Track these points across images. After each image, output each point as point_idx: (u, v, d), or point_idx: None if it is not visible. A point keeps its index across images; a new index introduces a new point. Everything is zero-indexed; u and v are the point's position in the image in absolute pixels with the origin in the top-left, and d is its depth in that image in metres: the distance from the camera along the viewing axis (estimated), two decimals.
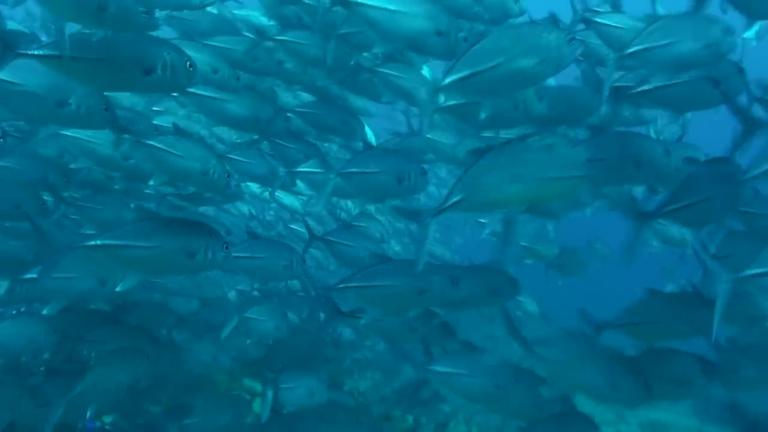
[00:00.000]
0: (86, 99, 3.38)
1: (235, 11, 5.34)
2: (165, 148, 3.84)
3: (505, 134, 4.13)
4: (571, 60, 3.45)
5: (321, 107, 5.10)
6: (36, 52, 3.04)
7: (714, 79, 3.75)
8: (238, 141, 5.48)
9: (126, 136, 3.78)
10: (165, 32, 4.39)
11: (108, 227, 3.60)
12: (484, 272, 4.27)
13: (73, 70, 3.15)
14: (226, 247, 3.64)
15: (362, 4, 3.59)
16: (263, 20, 5.11)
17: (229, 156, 4.94)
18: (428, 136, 4.73)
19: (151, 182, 3.98)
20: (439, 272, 3.96)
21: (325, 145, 5.60)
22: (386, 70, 4.55)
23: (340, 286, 3.94)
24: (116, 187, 4.65)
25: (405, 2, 3.67)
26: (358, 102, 5.37)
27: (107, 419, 5.39)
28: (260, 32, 4.61)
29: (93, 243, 3.39)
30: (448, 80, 3.42)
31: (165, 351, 4.53)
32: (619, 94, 3.84)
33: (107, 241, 3.40)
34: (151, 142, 3.85)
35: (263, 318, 4.80)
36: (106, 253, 3.41)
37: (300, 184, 5.35)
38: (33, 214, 3.78)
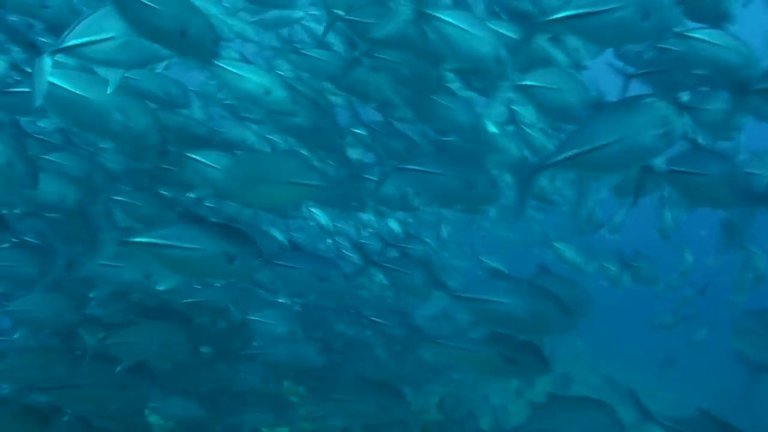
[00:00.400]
0: (138, 116, 3.56)
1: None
2: (201, 159, 3.95)
3: None
4: (674, 25, 3.48)
5: (390, 129, 5.05)
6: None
7: None
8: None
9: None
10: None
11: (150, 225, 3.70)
12: (568, 286, 4.25)
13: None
14: (260, 256, 3.67)
15: (439, 19, 3.63)
16: None
17: None
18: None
19: (192, 194, 4.05)
20: (552, 297, 3.81)
21: None
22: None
23: (457, 295, 3.91)
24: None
25: (476, 25, 3.71)
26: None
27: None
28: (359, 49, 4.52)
29: (137, 240, 3.49)
30: (553, 16, 3.35)
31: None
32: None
33: (151, 239, 3.49)
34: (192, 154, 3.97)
35: (274, 322, 4.78)
36: (149, 251, 3.50)
37: None
38: (84, 206, 3.97)
